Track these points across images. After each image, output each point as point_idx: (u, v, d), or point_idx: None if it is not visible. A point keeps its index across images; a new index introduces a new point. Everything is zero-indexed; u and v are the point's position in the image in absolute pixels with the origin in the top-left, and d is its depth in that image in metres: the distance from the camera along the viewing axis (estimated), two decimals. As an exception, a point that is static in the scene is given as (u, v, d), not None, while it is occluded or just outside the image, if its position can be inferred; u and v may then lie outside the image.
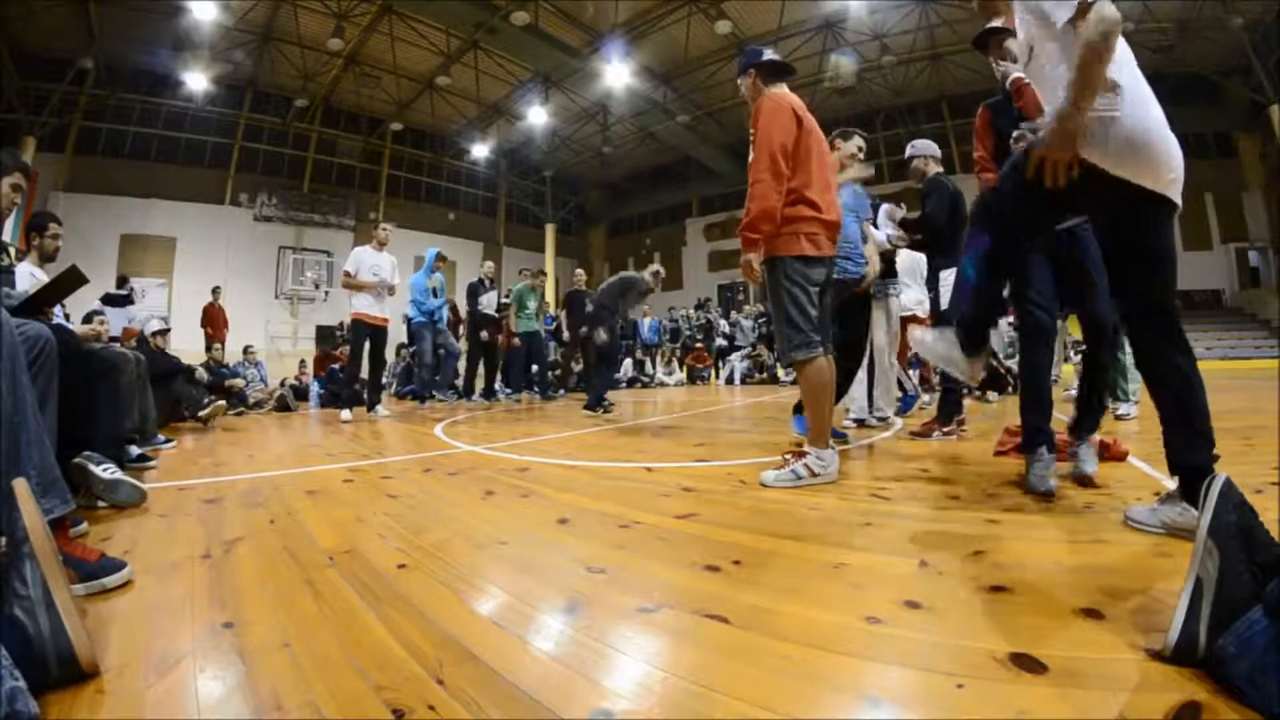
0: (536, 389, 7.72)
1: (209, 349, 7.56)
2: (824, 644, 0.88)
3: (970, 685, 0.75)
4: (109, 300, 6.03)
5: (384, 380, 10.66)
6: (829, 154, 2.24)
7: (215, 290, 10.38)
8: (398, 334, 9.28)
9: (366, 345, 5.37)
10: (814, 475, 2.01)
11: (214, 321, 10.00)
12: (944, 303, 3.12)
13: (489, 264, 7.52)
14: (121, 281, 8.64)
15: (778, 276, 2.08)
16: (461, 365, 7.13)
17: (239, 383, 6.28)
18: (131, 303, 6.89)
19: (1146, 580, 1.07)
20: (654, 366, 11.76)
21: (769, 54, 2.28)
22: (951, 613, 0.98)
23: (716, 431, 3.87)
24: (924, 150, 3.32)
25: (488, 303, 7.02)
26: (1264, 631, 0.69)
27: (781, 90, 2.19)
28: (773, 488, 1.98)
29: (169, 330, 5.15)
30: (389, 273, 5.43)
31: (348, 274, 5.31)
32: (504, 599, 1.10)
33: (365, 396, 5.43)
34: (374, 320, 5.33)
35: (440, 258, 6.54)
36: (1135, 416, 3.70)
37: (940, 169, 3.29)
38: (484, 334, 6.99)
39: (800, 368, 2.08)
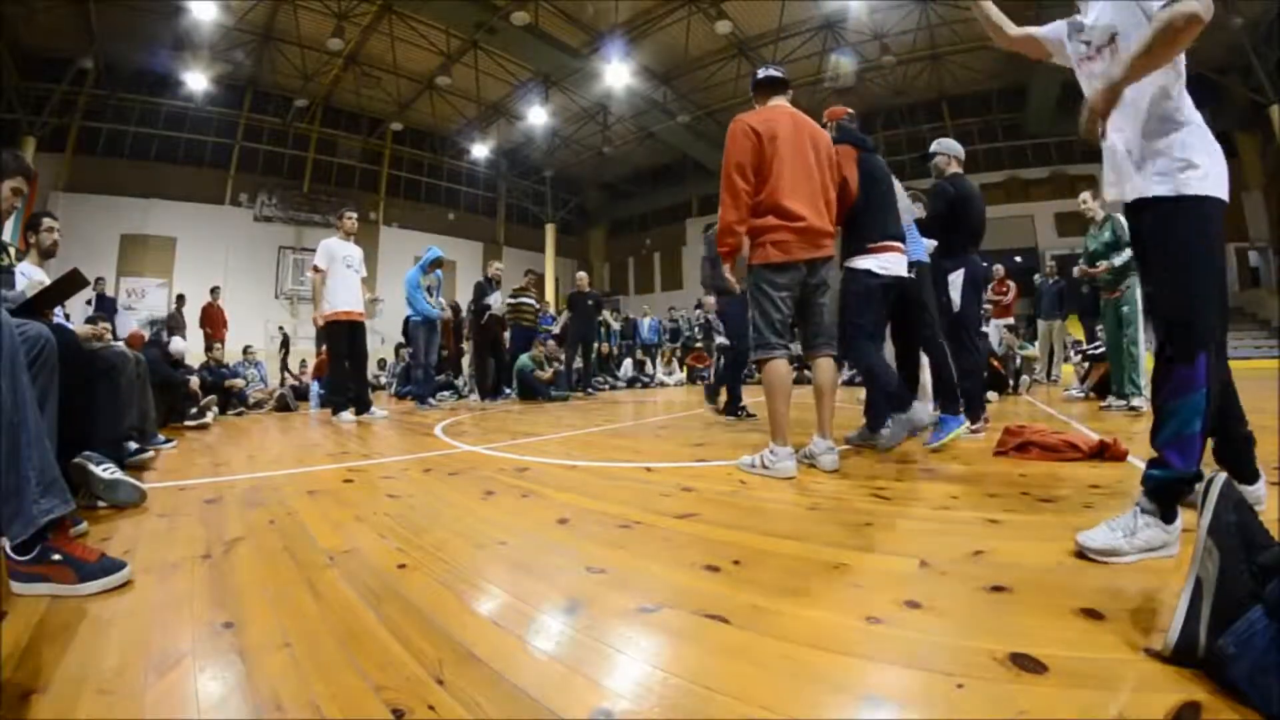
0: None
1: (208, 349, 7.55)
2: (824, 644, 0.88)
3: (970, 685, 0.75)
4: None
5: (383, 380, 10.71)
6: (810, 161, 2.21)
7: (214, 290, 10.38)
8: (395, 333, 9.30)
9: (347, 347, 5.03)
10: (764, 468, 2.07)
11: (213, 321, 10.01)
12: (955, 304, 3.13)
13: (497, 265, 7.44)
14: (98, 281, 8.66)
15: (750, 284, 2.23)
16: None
17: (239, 383, 6.26)
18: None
19: (1146, 580, 1.07)
20: (654, 366, 11.75)
21: (763, 72, 2.34)
22: (951, 613, 0.98)
23: (716, 431, 3.87)
24: (946, 149, 3.32)
25: (493, 302, 7.00)
26: (1264, 631, 0.69)
27: (766, 107, 2.25)
28: (740, 470, 2.19)
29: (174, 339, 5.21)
30: (359, 263, 5.23)
31: (317, 268, 4.99)
32: (504, 599, 1.10)
33: (359, 399, 5.16)
34: (353, 317, 5.05)
35: (438, 262, 6.40)
36: (1145, 411, 3.73)
37: (960, 169, 3.30)
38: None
39: (759, 366, 2.22)
